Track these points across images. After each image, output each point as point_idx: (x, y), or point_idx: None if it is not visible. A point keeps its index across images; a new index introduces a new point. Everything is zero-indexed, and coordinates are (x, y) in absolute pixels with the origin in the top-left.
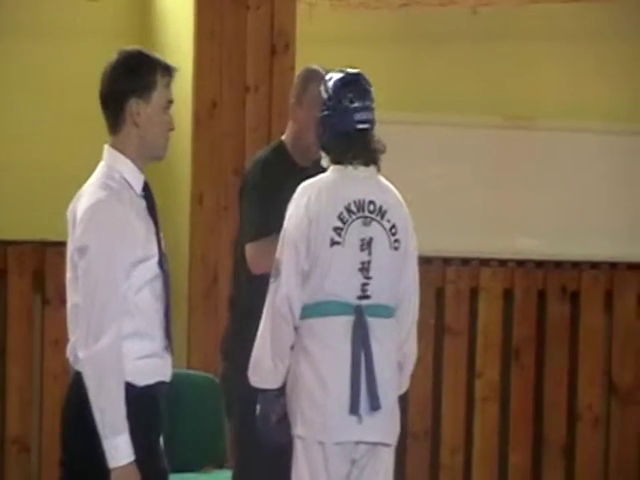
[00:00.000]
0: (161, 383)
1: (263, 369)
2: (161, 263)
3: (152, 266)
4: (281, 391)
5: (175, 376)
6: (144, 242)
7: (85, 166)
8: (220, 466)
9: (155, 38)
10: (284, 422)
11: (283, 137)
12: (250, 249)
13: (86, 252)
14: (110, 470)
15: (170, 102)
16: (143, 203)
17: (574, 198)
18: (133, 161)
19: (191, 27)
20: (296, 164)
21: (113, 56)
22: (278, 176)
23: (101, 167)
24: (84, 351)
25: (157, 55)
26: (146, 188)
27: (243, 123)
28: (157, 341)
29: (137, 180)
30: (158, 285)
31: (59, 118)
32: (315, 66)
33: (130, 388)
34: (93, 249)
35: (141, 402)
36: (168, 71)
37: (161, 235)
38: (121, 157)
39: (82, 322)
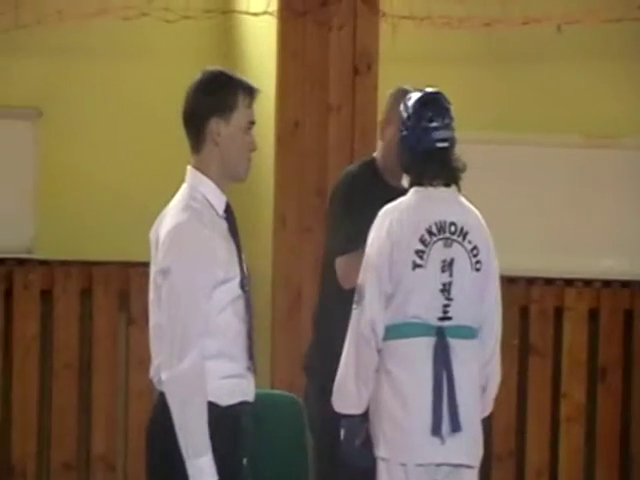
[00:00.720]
0: (244, 403)
1: (347, 394)
2: (243, 284)
3: (234, 287)
4: (365, 416)
5: (258, 396)
6: (226, 263)
7: (168, 187)
8: None
9: (238, 59)
10: (367, 446)
11: (375, 154)
12: (340, 262)
13: (169, 274)
14: None
15: (252, 123)
16: (225, 224)
17: None
18: (215, 182)
19: (274, 47)
20: (386, 182)
21: (196, 76)
22: (367, 191)
23: (184, 188)
24: (168, 372)
25: (239, 76)
26: (228, 209)
27: (326, 143)
28: (240, 361)
29: (219, 201)
30: (240, 306)
31: (142, 140)
32: (407, 86)
33: (213, 408)
34: (175, 271)
35: (225, 422)
36: (250, 92)
37: (243, 256)
38: (203, 178)
39: (165, 343)
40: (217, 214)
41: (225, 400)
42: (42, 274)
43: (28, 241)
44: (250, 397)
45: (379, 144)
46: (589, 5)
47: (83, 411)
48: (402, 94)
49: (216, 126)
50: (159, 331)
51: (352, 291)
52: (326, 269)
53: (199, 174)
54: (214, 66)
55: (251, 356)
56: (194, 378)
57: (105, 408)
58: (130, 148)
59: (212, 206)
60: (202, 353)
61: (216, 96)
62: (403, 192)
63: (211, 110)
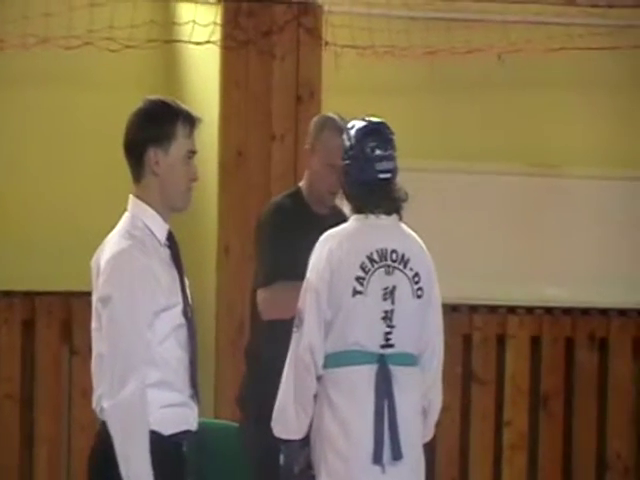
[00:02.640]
0: (187, 432)
1: (286, 419)
2: (186, 312)
3: (176, 315)
4: (305, 441)
5: (202, 425)
6: (167, 291)
7: (110, 216)
8: None
9: (181, 88)
10: (307, 473)
11: (300, 184)
12: (260, 295)
13: (109, 301)
14: None
15: (192, 152)
16: (167, 252)
17: (600, 245)
18: (156, 210)
19: (217, 77)
20: (312, 211)
21: (138, 105)
22: (292, 221)
23: (125, 217)
24: (109, 400)
25: (180, 105)
26: (170, 237)
27: (269, 172)
28: (182, 390)
29: (160, 229)
30: (182, 334)
31: (85, 168)
32: (330, 113)
33: (155, 437)
34: (116, 298)
35: (167, 451)
36: (190, 121)
37: (186, 284)
38: (144, 206)
39: (107, 372)
40: (159, 242)
41: (168, 429)
42: None
43: None
44: (193, 426)
45: (305, 172)
46: (530, 35)
47: (25, 443)
48: (324, 121)
49: (154, 156)
50: (100, 360)
51: (281, 325)
52: (254, 302)
53: (140, 203)
54: (156, 95)
55: (194, 385)
56: (135, 406)
57: (48, 440)
58: (73, 176)
59: (153, 234)
60: (144, 381)
61: (154, 126)
62: (331, 219)
63: (149, 140)
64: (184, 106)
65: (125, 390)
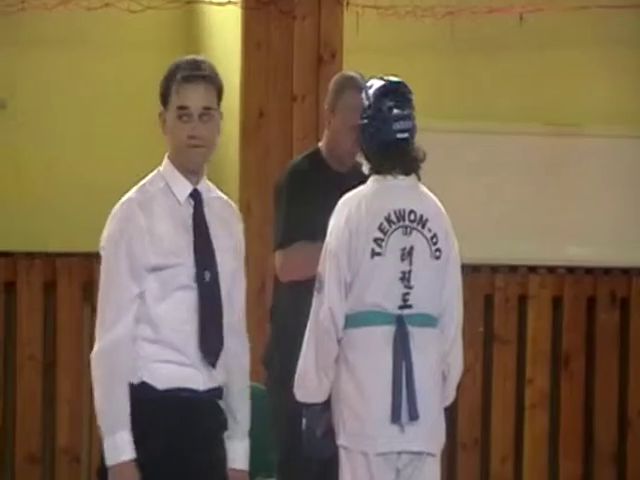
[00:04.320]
0: (187, 390)
1: (308, 383)
2: (199, 275)
3: (177, 276)
4: (326, 405)
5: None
6: (166, 250)
7: (132, 178)
8: (269, 476)
9: (202, 49)
10: (330, 435)
11: (319, 144)
12: (277, 257)
13: (102, 252)
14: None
15: (180, 108)
16: (187, 212)
17: (622, 204)
18: (177, 168)
19: (238, 38)
20: (332, 170)
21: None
22: (311, 182)
23: (153, 172)
24: (94, 346)
25: (189, 60)
26: (196, 199)
27: (290, 133)
28: (184, 351)
29: (181, 188)
30: (188, 297)
31: (106, 130)
32: (350, 72)
33: (148, 389)
34: (105, 249)
35: (160, 405)
36: (181, 76)
37: (212, 247)
38: (171, 166)
39: (97, 319)
40: (177, 201)
41: (161, 383)
42: (5, 266)
43: None
44: (198, 386)
45: (325, 132)
46: None
47: (47, 403)
48: (344, 81)
49: (162, 115)
50: None
51: (304, 285)
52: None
53: (168, 162)
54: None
55: (205, 350)
56: (112, 355)
57: (69, 400)
58: (94, 138)
59: (173, 193)
60: (127, 332)
61: (161, 84)
62: (351, 178)
63: (160, 98)
64: (190, 61)
65: (104, 339)
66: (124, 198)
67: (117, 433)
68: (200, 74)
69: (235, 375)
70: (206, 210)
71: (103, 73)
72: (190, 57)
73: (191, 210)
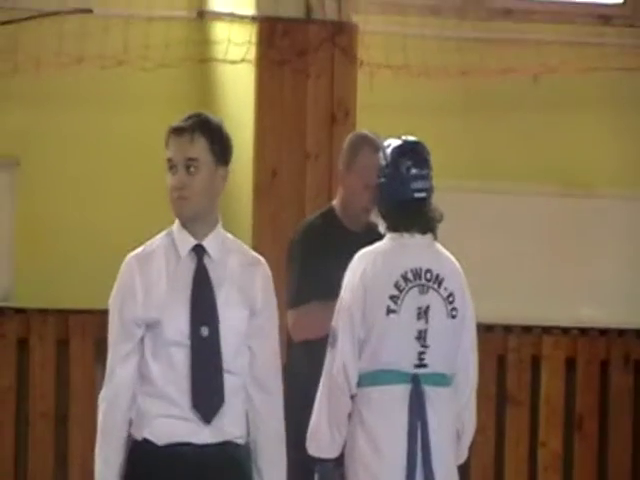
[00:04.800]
0: (188, 445)
1: (320, 438)
2: (195, 331)
3: (168, 332)
4: (339, 461)
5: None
6: (155, 305)
7: (146, 234)
8: None
9: (215, 107)
10: None
11: (333, 202)
12: (290, 316)
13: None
14: None
15: (168, 160)
16: (188, 267)
17: (636, 265)
18: (181, 223)
19: (252, 96)
20: (346, 229)
21: None
22: (324, 240)
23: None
24: None
25: (194, 116)
26: (198, 252)
27: (303, 191)
28: (180, 406)
29: (184, 243)
30: (181, 353)
31: (120, 187)
32: (364, 131)
33: (149, 446)
34: (109, 304)
35: (158, 461)
36: (172, 128)
37: (214, 302)
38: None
39: None
40: (179, 256)
41: (161, 439)
42: (19, 322)
43: (5, 289)
44: (199, 440)
45: (339, 191)
46: (564, 55)
47: (60, 462)
48: (360, 140)
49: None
50: None
51: (317, 344)
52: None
53: None
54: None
55: (198, 406)
56: (105, 409)
57: (82, 459)
58: (108, 196)
59: (175, 248)
60: (118, 389)
61: None
62: (365, 237)
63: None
64: (186, 116)
65: (101, 393)
66: (129, 255)
67: None
68: (186, 125)
69: (260, 433)
70: (214, 265)
71: (117, 130)
72: (197, 112)
73: (193, 265)
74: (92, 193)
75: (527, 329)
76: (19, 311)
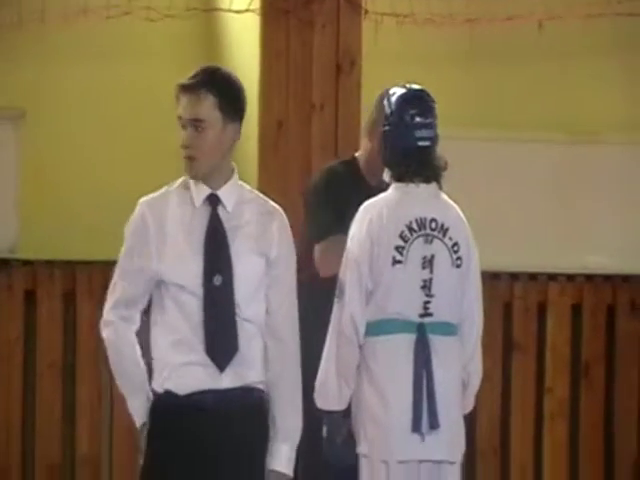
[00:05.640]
0: (207, 392)
1: (328, 391)
2: (208, 279)
3: (181, 280)
4: (347, 412)
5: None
6: (169, 253)
7: (152, 185)
8: None
9: (221, 57)
10: (350, 443)
11: (357, 154)
12: (318, 249)
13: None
14: None
15: (178, 117)
16: (203, 216)
17: None
18: None
19: (257, 46)
20: (365, 181)
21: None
22: (345, 187)
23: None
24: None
25: (203, 69)
26: (212, 202)
27: (309, 142)
28: (198, 351)
29: (198, 193)
30: (192, 300)
31: (126, 138)
32: (401, 85)
33: (170, 397)
34: (124, 239)
35: (181, 411)
36: (180, 85)
37: (228, 252)
38: None
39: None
40: (193, 205)
41: (183, 389)
42: (25, 274)
43: (11, 241)
44: (219, 385)
45: (366, 144)
46: (569, 2)
47: (67, 413)
48: None
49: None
50: None
51: (326, 291)
52: (302, 266)
53: None
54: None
55: (211, 353)
56: (110, 341)
57: (90, 409)
58: (114, 147)
59: (191, 197)
60: (121, 321)
61: None
62: (381, 191)
63: None
64: (196, 70)
65: (104, 330)
66: (142, 199)
67: (128, 399)
68: (193, 83)
69: (275, 381)
70: (228, 215)
71: (122, 81)
72: (207, 65)
73: (207, 215)
74: (97, 144)
75: (533, 276)
76: (26, 263)
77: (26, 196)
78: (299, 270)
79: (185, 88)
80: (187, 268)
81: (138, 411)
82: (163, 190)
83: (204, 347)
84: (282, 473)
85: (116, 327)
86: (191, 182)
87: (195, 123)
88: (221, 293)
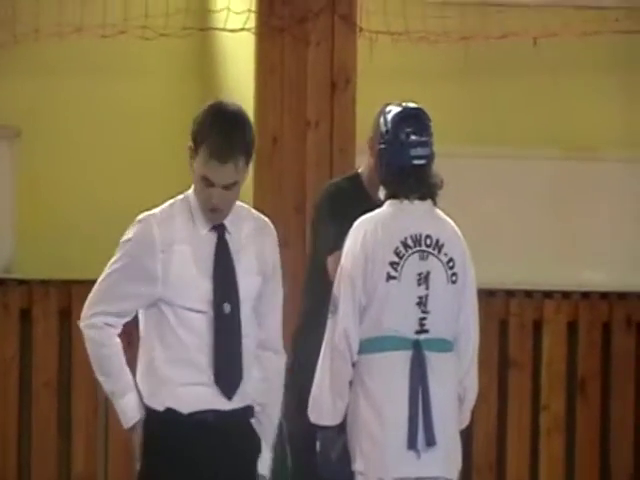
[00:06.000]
0: (212, 412)
1: (322, 406)
2: (218, 307)
3: (191, 302)
4: (341, 428)
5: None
6: (176, 274)
7: (147, 203)
8: None
9: (216, 75)
10: (344, 458)
11: (359, 170)
12: (330, 263)
13: (119, 245)
14: None
15: (205, 179)
16: (209, 241)
17: (637, 228)
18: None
19: (252, 64)
20: (370, 198)
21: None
22: (350, 204)
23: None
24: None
25: (224, 132)
26: (219, 230)
27: (304, 158)
28: (205, 372)
29: (204, 222)
30: (201, 321)
31: (120, 157)
32: (396, 103)
33: (174, 414)
34: (122, 243)
35: (184, 429)
36: (211, 150)
37: (235, 279)
38: (195, 199)
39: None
40: (199, 231)
41: (186, 407)
42: (21, 293)
43: (7, 260)
44: (223, 406)
45: (369, 160)
46: (565, 19)
47: (63, 431)
48: None
49: (192, 151)
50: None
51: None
52: (310, 281)
53: (193, 195)
54: (229, 102)
55: (220, 384)
56: (96, 342)
57: (85, 427)
58: (109, 165)
59: (195, 224)
60: (107, 324)
61: (194, 128)
62: None
63: (191, 136)
64: (223, 134)
65: (89, 330)
66: (146, 214)
67: (118, 400)
68: (229, 153)
69: (267, 389)
70: (232, 236)
71: (117, 99)
72: (226, 124)
73: (214, 239)
74: (93, 162)
75: (528, 293)
76: (21, 282)
77: (22, 215)
78: (304, 297)
79: (221, 158)
80: (196, 293)
81: (132, 409)
82: (166, 208)
83: (211, 373)
84: (263, 475)
85: (104, 331)
86: (193, 208)
87: (228, 186)
88: (229, 321)
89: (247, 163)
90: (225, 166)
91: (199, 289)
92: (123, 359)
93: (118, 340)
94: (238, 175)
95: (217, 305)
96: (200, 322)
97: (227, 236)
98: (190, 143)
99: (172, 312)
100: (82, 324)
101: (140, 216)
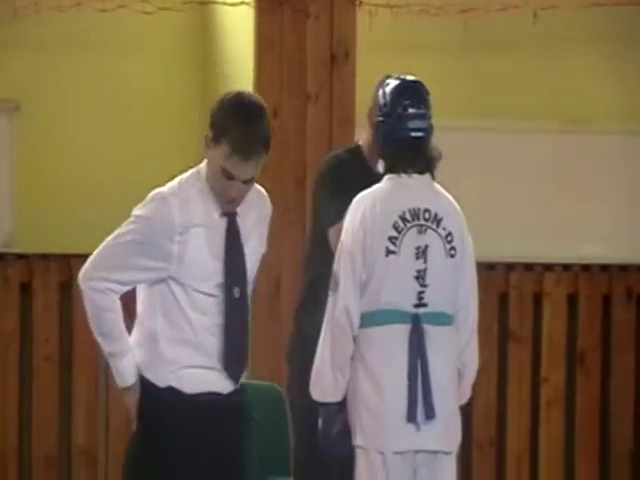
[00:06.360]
0: (213, 394)
1: (323, 382)
2: (229, 291)
3: (204, 284)
4: (342, 404)
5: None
6: (191, 257)
7: (146, 179)
8: (286, 475)
9: (215, 49)
10: (345, 434)
11: (360, 142)
12: (332, 232)
13: (132, 220)
14: None
15: (226, 171)
16: (221, 223)
17: (636, 200)
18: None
19: (251, 37)
20: (371, 170)
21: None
22: (351, 175)
23: (200, 167)
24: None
25: (248, 127)
26: (230, 214)
27: (304, 131)
28: (210, 355)
29: (216, 206)
30: (207, 303)
31: (120, 131)
32: (396, 75)
33: (174, 393)
34: (135, 219)
35: (186, 408)
36: (235, 147)
37: (245, 266)
38: (207, 182)
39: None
40: (213, 213)
41: (189, 388)
42: (21, 267)
43: (6, 235)
44: (222, 390)
45: (368, 130)
46: None
47: (64, 404)
48: None
49: (208, 139)
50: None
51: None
52: (312, 252)
53: (205, 178)
54: (251, 93)
55: (229, 370)
56: (97, 304)
57: (86, 401)
58: (109, 139)
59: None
60: (110, 290)
61: (215, 119)
62: None
63: (210, 126)
64: (248, 129)
65: (90, 291)
66: (164, 192)
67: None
68: (253, 150)
69: None
70: (241, 219)
71: (116, 73)
72: (248, 119)
73: (225, 224)
74: (93, 137)
75: (528, 266)
76: (21, 256)
77: (21, 189)
78: (306, 269)
79: (245, 155)
80: (208, 276)
81: (130, 371)
82: (183, 187)
83: (219, 357)
84: None
85: (107, 295)
86: (205, 188)
87: (249, 180)
88: (239, 306)
89: (266, 155)
90: (248, 162)
91: (211, 273)
92: (123, 323)
93: (119, 303)
94: (258, 170)
95: (228, 289)
96: (210, 305)
97: (238, 220)
98: (209, 132)
99: (183, 292)
100: (84, 283)
101: (157, 193)
